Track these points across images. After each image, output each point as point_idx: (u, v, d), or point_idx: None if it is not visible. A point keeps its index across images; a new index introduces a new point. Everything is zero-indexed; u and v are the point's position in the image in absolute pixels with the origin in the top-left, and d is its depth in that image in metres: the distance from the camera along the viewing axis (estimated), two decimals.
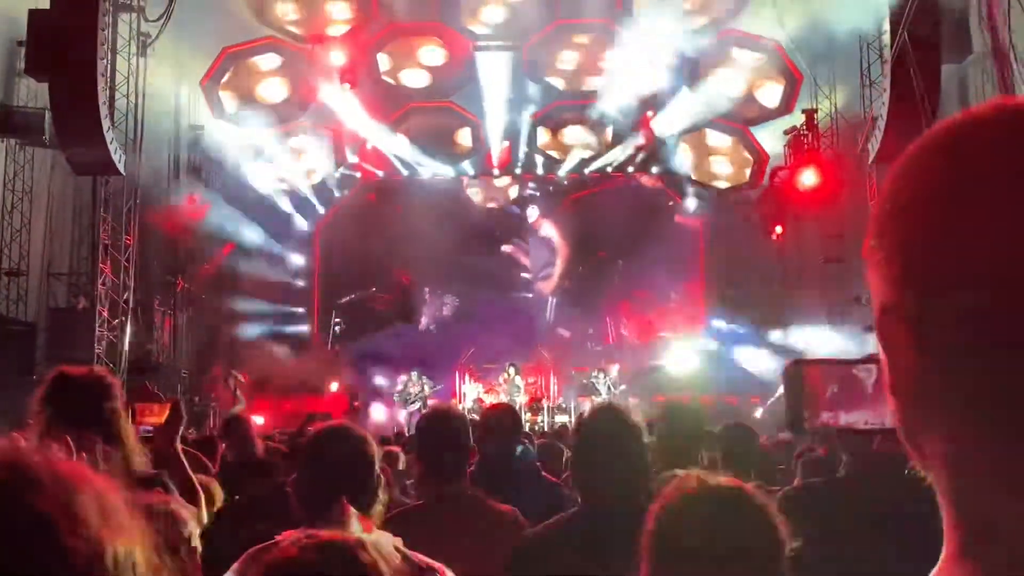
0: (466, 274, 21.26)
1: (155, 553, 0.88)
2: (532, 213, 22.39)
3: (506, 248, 22.34)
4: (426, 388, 18.73)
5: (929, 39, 13.76)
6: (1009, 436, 0.66)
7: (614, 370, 18.87)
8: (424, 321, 21.90)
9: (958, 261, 0.67)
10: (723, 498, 1.93)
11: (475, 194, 22.57)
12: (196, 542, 2.88)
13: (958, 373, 0.68)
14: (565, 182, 22.09)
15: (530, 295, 22.26)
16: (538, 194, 22.45)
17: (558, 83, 20.25)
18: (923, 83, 13.46)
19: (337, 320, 21.16)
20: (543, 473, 4.69)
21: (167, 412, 3.91)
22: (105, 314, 15.82)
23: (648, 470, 2.92)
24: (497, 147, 20.85)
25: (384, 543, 2.47)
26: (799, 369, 1.01)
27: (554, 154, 21.39)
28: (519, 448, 4.46)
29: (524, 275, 22.43)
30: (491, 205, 22.65)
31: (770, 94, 19.36)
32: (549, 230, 22.19)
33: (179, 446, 3.84)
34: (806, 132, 18.45)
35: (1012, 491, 0.66)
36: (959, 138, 0.71)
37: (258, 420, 15.24)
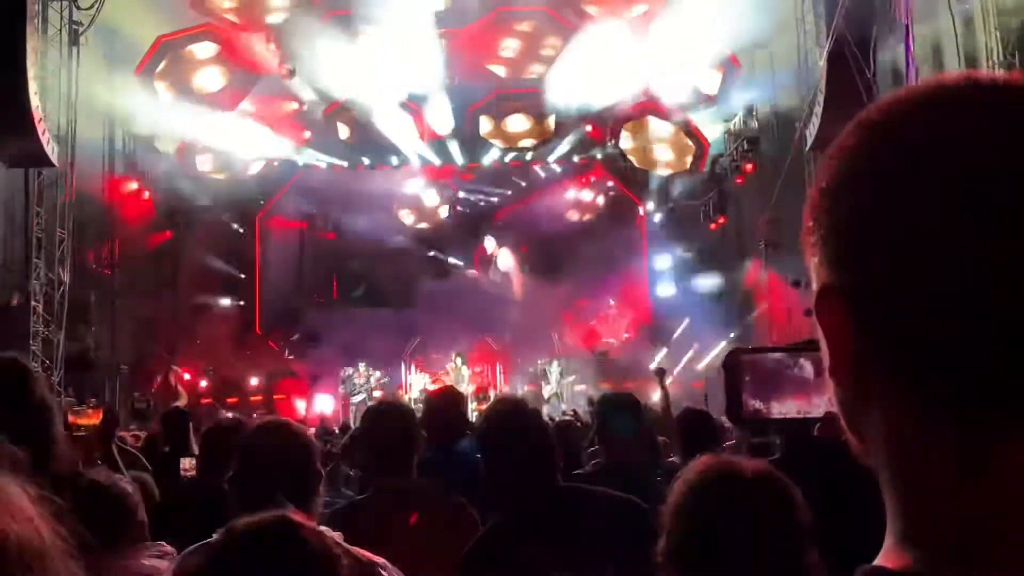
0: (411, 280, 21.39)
1: (68, 547, 0.84)
2: (489, 244, 22.39)
3: (471, 272, 22.31)
4: (371, 379, 18.62)
5: (864, 26, 13.98)
6: (950, 419, 0.65)
7: (563, 359, 18.95)
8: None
9: (894, 240, 0.66)
10: (752, 481, 1.91)
11: (406, 215, 22.49)
12: (143, 515, 2.88)
13: (897, 355, 0.67)
14: (495, 199, 22.20)
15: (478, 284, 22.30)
16: (468, 211, 22.48)
17: (500, 71, 20.22)
18: (859, 70, 13.69)
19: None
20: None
21: (100, 417, 3.90)
22: (40, 310, 15.46)
23: (555, 459, 2.86)
24: (439, 136, 20.78)
25: None
26: (737, 358, 1.01)
27: (498, 143, 21.37)
28: (462, 441, 4.43)
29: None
30: (423, 225, 22.57)
31: (710, 82, 19.53)
32: (506, 260, 22.22)
33: (115, 450, 3.82)
34: (745, 119, 18.71)
35: (955, 475, 0.66)
36: (893, 117, 0.71)
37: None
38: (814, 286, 0.73)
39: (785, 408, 0.96)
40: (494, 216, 22.50)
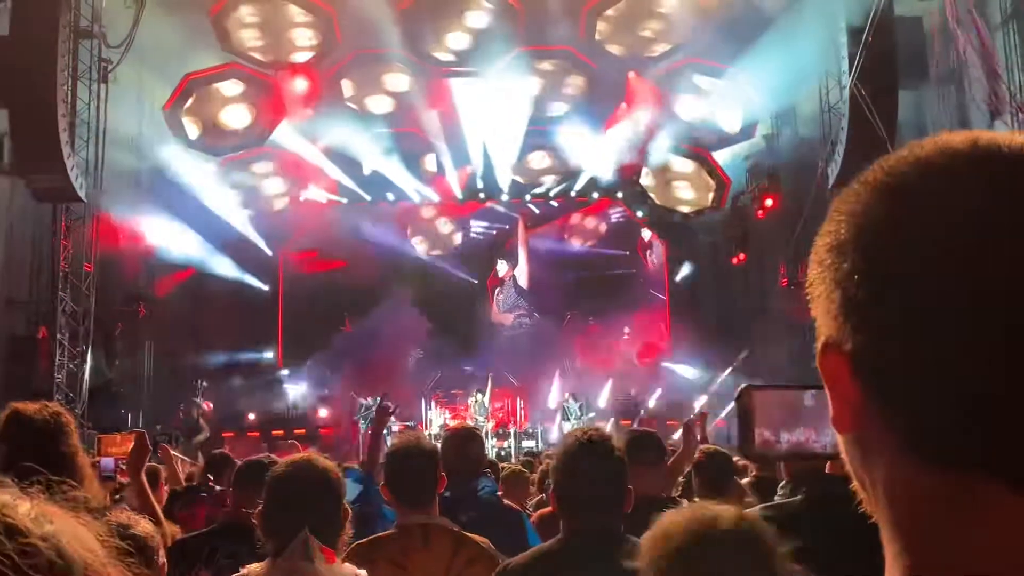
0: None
1: None
2: (501, 268, 22.63)
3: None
4: None
5: (886, 67, 14.00)
6: (945, 475, 0.67)
7: (583, 396, 18.89)
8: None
9: (896, 297, 0.69)
10: (725, 531, 1.89)
11: (418, 243, 22.69)
12: (163, 558, 2.89)
13: (894, 411, 0.69)
14: (507, 226, 22.38)
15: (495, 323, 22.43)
16: (482, 239, 22.64)
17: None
18: (881, 109, 13.70)
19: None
20: (505, 501, 4.64)
21: (132, 443, 3.91)
22: (66, 343, 15.61)
23: (627, 499, 2.91)
24: (463, 173, 20.94)
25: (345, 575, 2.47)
26: (750, 394, 1.03)
27: (519, 180, 21.51)
28: (480, 482, 4.40)
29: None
30: (436, 252, 22.75)
31: (731, 120, 19.58)
32: (519, 282, 22.45)
33: (143, 477, 3.84)
34: (767, 154, 18.73)
35: (949, 528, 0.68)
36: (899, 177, 0.73)
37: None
38: (818, 338, 0.76)
39: (797, 443, 0.99)
40: (506, 243, 22.68)
